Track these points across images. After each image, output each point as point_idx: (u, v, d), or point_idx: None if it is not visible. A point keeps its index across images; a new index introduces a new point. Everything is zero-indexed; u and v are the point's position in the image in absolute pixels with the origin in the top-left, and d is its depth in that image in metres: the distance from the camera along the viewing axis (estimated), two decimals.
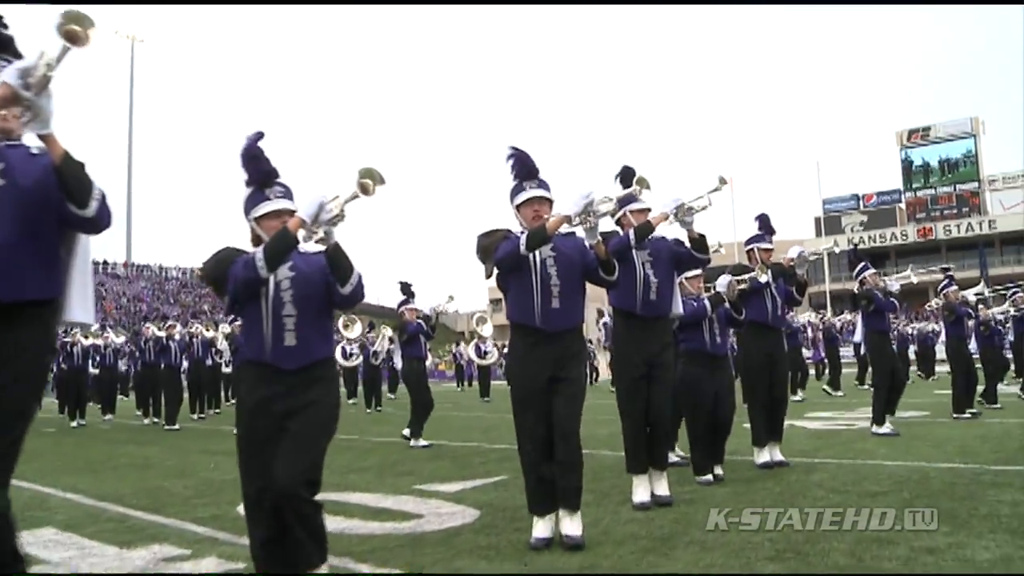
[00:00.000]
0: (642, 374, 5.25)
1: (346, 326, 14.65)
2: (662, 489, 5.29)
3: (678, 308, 5.64)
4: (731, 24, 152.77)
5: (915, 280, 10.28)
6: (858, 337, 10.11)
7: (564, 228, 4.26)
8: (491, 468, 7.29)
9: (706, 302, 6.20)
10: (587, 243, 4.35)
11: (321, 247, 3.38)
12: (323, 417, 3.44)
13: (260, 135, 3.43)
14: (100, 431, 14.26)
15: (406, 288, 10.83)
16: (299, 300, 3.37)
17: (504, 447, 9.09)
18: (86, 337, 15.66)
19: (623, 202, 5.25)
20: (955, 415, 10.37)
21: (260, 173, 3.44)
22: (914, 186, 61.87)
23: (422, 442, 9.72)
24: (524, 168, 4.43)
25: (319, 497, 3.37)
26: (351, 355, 19.03)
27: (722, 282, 6.30)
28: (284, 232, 3.17)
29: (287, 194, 3.46)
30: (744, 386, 6.91)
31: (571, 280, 4.34)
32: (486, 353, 21.65)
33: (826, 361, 19.26)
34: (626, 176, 5.25)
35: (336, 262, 3.34)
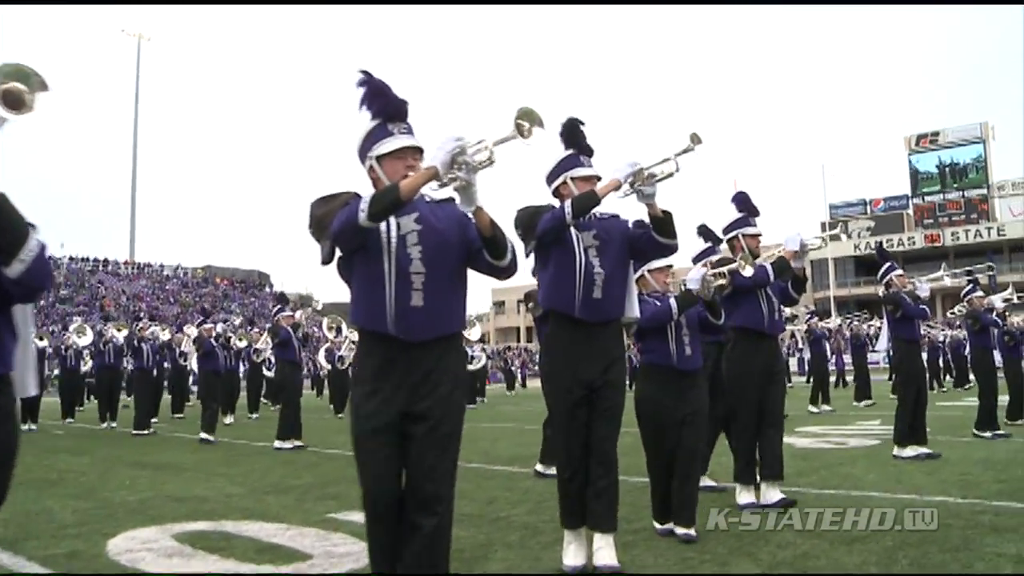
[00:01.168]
0: (580, 399, 3.96)
1: (331, 328, 13.91)
2: (606, 557, 3.88)
3: (633, 310, 4.24)
4: (737, 24, 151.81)
5: (948, 282, 9.28)
6: (882, 345, 8.90)
7: (436, 192, 3.05)
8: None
9: (671, 302, 4.70)
10: (466, 212, 3.04)
11: None
12: None
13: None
14: (55, 437, 13.51)
15: None
16: None
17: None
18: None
19: (565, 168, 4.11)
20: (976, 432, 9.37)
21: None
22: (922, 191, 61.07)
23: None
24: (390, 105, 3.07)
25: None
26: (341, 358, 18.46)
27: (693, 276, 4.79)
28: None
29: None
30: (729, 406, 5.77)
31: (442, 266, 3.02)
32: (473, 359, 21.00)
33: (846, 370, 18.36)
34: (569, 131, 4.13)
35: None
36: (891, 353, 8.73)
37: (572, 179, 4.10)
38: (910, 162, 61.74)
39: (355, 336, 14.79)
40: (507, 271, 3.14)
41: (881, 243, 9.80)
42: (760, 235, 5.83)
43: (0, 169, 2.21)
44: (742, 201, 5.87)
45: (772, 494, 5.38)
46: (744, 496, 5.48)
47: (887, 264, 8.47)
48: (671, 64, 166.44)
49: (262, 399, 19.25)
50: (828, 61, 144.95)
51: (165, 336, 14.74)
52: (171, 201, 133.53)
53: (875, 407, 14.96)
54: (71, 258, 67.85)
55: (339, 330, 13.13)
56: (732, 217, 5.88)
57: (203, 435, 11.71)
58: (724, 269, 5.27)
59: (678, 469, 4.66)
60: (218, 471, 8.19)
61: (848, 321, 19.79)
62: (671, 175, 3.83)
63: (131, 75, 75.26)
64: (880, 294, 8.59)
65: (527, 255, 3.98)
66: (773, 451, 5.53)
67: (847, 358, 24.30)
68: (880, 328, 18.08)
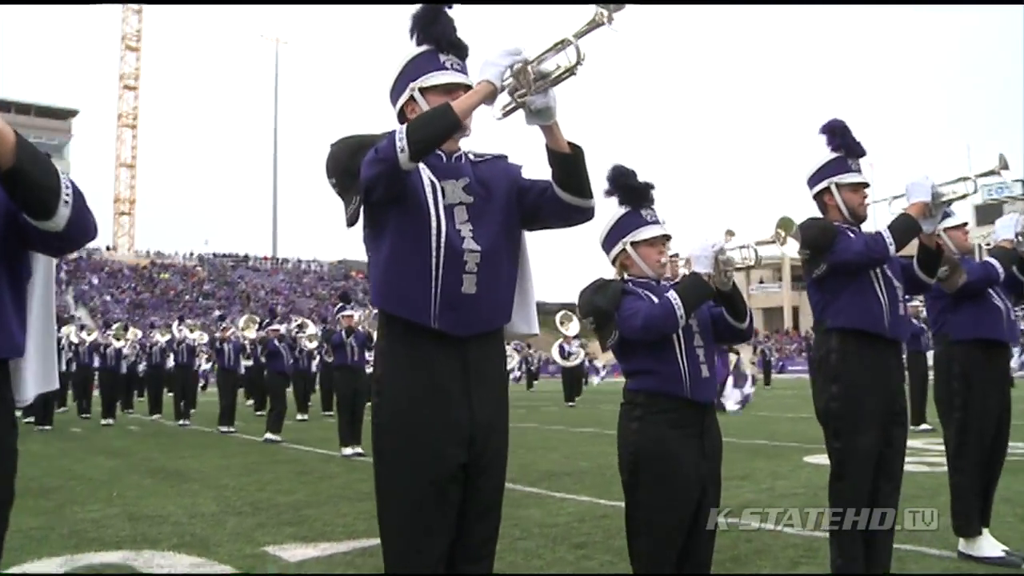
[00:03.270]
0: (451, 473, 2.33)
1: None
2: None
3: (530, 321, 2.68)
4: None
5: None
6: None
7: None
8: None
9: (672, 296, 2.86)
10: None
11: None
12: None
13: None
14: (123, 434, 13.56)
15: None
16: None
17: None
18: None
19: (412, 75, 2.51)
20: None
21: None
22: None
23: None
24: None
25: None
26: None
27: (701, 253, 2.92)
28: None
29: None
30: (832, 452, 3.63)
31: None
32: (570, 354, 20.33)
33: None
34: (424, 19, 2.52)
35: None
36: None
37: (422, 91, 2.47)
38: None
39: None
40: (62, 240, 1.79)
41: None
42: (867, 185, 3.75)
43: None
44: (837, 133, 3.73)
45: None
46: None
47: None
48: (804, 39, 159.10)
49: None
50: (967, 23, 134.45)
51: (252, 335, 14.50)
52: (310, 196, 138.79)
53: None
54: (214, 254, 71.28)
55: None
56: (822, 160, 3.77)
57: (268, 435, 11.57)
58: (752, 243, 3.11)
59: (691, 556, 2.94)
60: (220, 481, 7.66)
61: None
62: (572, 71, 2.20)
63: (270, 77, 78.61)
64: None
65: (350, 222, 2.41)
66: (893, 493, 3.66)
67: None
68: None
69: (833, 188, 3.69)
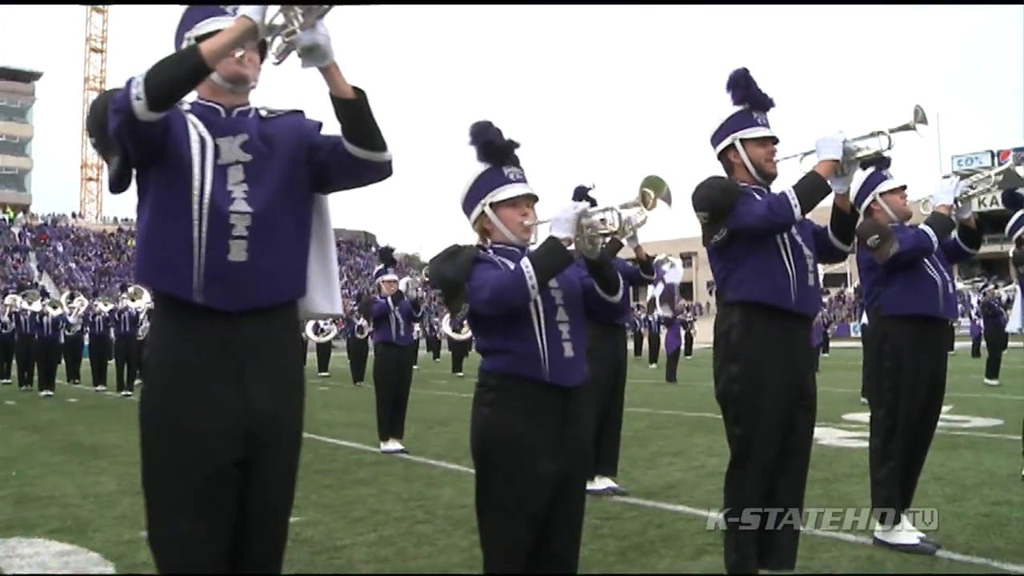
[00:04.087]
0: (210, 476, 2.04)
1: None
2: None
3: (325, 300, 2.39)
4: None
5: None
6: (1015, 323, 6.42)
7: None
8: (304, 497, 5.36)
9: (524, 267, 2.48)
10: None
11: None
12: None
13: None
14: (59, 407, 13.17)
15: (387, 255, 8.64)
16: None
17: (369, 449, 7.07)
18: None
19: (187, 26, 2.26)
20: None
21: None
22: None
23: (391, 446, 7.52)
24: None
25: None
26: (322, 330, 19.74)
27: (562, 216, 2.52)
28: None
29: None
30: (736, 437, 3.31)
31: None
32: (462, 326, 20.01)
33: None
34: None
35: None
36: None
37: (196, 41, 2.10)
38: None
39: None
40: None
41: (1013, 188, 6.30)
42: (775, 140, 3.39)
43: None
44: (740, 84, 3.38)
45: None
46: None
47: (1021, 213, 5.89)
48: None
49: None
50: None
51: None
52: None
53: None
54: None
55: None
56: (725, 115, 3.43)
57: None
58: (617, 208, 2.65)
59: None
60: (134, 458, 7.25)
61: (981, 285, 17.07)
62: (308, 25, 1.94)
63: None
64: (1010, 253, 6.17)
65: (113, 187, 2.15)
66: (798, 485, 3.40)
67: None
68: (1013, 295, 15.07)
69: (738, 144, 3.36)
